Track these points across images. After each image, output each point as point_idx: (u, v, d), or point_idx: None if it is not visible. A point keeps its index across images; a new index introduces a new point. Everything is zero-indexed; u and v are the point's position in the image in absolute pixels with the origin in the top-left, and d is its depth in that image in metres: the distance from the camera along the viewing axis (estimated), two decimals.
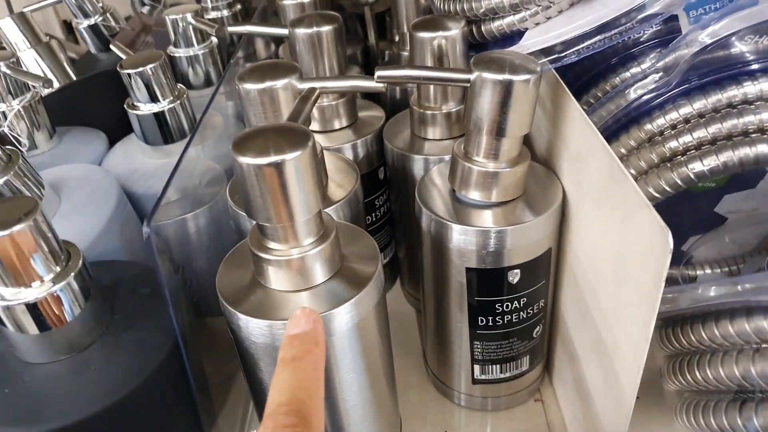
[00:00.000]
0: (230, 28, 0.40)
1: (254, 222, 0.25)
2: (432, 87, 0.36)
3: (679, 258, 0.37)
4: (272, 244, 0.25)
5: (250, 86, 0.30)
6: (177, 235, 0.33)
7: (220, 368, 0.38)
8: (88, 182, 0.36)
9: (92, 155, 0.41)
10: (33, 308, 0.25)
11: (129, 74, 0.38)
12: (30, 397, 0.26)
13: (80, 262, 0.27)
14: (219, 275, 0.27)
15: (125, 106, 0.40)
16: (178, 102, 0.40)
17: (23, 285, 0.25)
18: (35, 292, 0.25)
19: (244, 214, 0.33)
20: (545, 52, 0.32)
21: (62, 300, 0.26)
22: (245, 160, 0.22)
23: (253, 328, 0.25)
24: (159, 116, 0.39)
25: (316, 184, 0.23)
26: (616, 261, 0.26)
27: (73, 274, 0.26)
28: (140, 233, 0.38)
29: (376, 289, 0.27)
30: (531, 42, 0.33)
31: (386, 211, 0.43)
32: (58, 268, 0.26)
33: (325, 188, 0.34)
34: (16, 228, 0.24)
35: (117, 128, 0.44)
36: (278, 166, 0.22)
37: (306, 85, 0.30)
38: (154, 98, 0.39)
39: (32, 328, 0.25)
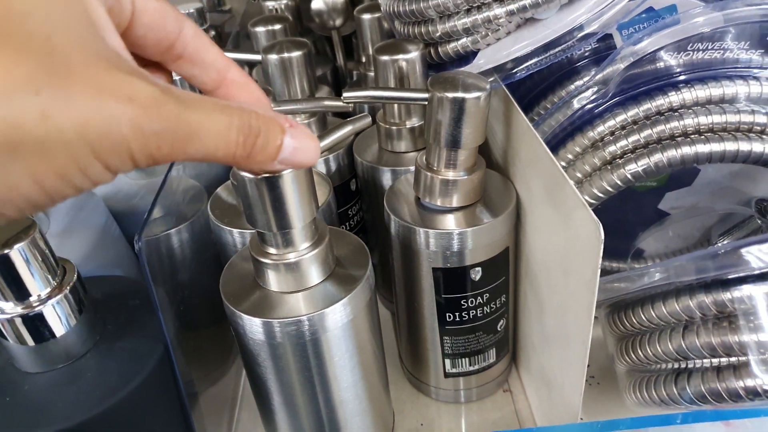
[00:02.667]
0: None
1: (255, 229, 0.27)
2: (396, 105, 0.39)
3: (626, 252, 0.41)
4: (271, 249, 0.28)
5: None
6: (162, 249, 0.35)
7: (206, 375, 0.40)
8: (75, 204, 0.38)
9: None
10: (31, 321, 0.27)
11: None
12: (29, 404, 0.27)
13: (75, 276, 0.29)
14: (223, 278, 0.30)
15: None
16: None
17: (22, 299, 0.27)
18: (34, 306, 0.27)
19: (225, 227, 0.35)
20: (497, 69, 0.36)
21: (59, 312, 0.28)
22: (246, 175, 0.25)
23: (252, 326, 0.28)
24: None
25: (311, 194, 0.26)
26: (563, 256, 0.29)
27: (68, 288, 0.28)
28: (127, 250, 0.40)
29: (367, 287, 0.29)
30: (484, 61, 0.36)
31: (359, 220, 0.46)
32: (54, 283, 0.28)
33: (328, 192, 0.36)
34: (17, 246, 0.26)
35: None
36: (277, 180, 0.25)
37: (279, 108, 0.33)
38: None
39: (30, 339, 0.27)
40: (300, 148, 0.21)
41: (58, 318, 0.28)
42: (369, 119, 0.31)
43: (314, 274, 0.28)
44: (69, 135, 0.14)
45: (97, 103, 0.14)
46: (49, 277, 0.27)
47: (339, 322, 0.28)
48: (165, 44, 0.21)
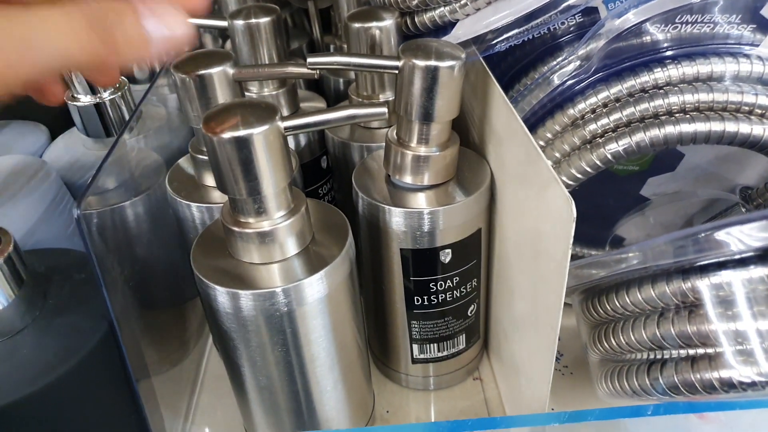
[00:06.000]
0: None
1: (227, 197, 0.26)
2: (369, 76, 0.37)
3: (603, 240, 0.39)
4: (243, 218, 0.26)
5: (185, 74, 0.30)
6: (116, 222, 0.33)
7: (165, 357, 0.38)
8: (24, 172, 0.36)
9: (32, 148, 0.41)
10: None
11: None
12: None
13: (11, 248, 0.27)
14: (194, 249, 0.28)
15: (64, 98, 0.39)
16: (119, 94, 0.40)
17: None
18: None
19: (182, 201, 0.33)
20: (476, 40, 0.34)
21: None
22: (215, 135, 0.23)
23: (223, 298, 0.26)
24: (99, 108, 0.39)
25: (284, 157, 0.25)
26: (534, 236, 0.27)
27: (2, 260, 0.26)
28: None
29: (346, 260, 0.28)
30: (462, 32, 0.34)
31: (330, 200, 0.44)
32: None
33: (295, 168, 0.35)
34: None
35: (60, 122, 0.44)
36: (246, 140, 0.23)
37: (240, 73, 0.31)
38: (94, 90, 0.39)
39: None
40: (162, 16, 0.19)
41: None
42: (384, 110, 0.27)
43: (290, 245, 0.27)
44: None
45: None
46: None
47: (316, 295, 0.27)
48: None
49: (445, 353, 0.36)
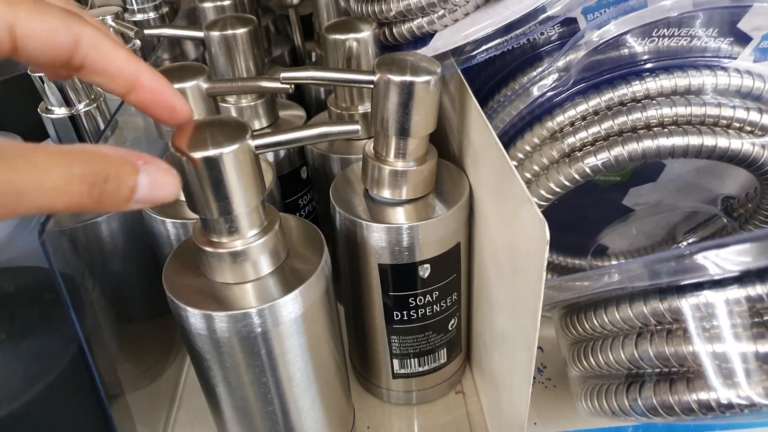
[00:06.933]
0: (147, 31, 0.39)
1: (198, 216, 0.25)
2: (347, 88, 0.37)
3: (586, 249, 0.39)
4: (215, 237, 0.26)
5: None
6: (87, 238, 0.32)
7: (143, 372, 0.38)
8: None
9: None
10: None
11: (40, 77, 0.37)
12: None
13: None
14: (165, 268, 0.28)
15: (38, 110, 0.39)
16: (95, 105, 0.39)
17: None
18: None
19: (156, 217, 0.32)
20: (456, 52, 0.33)
21: None
22: (183, 155, 0.22)
23: (196, 320, 0.26)
24: (74, 120, 0.38)
25: (255, 176, 0.24)
26: (511, 253, 0.27)
27: None
28: (51, 237, 0.37)
29: (322, 278, 0.28)
30: (441, 43, 0.34)
31: (311, 211, 0.44)
32: None
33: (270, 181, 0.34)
34: None
35: (35, 133, 0.43)
36: (216, 160, 0.23)
37: (213, 87, 0.30)
38: (69, 101, 0.38)
39: None
40: (157, 184, 0.19)
41: None
42: (357, 128, 0.27)
43: (263, 264, 0.26)
44: None
45: None
46: None
47: (291, 315, 0.26)
48: (60, 60, 0.20)
49: (426, 368, 0.36)
